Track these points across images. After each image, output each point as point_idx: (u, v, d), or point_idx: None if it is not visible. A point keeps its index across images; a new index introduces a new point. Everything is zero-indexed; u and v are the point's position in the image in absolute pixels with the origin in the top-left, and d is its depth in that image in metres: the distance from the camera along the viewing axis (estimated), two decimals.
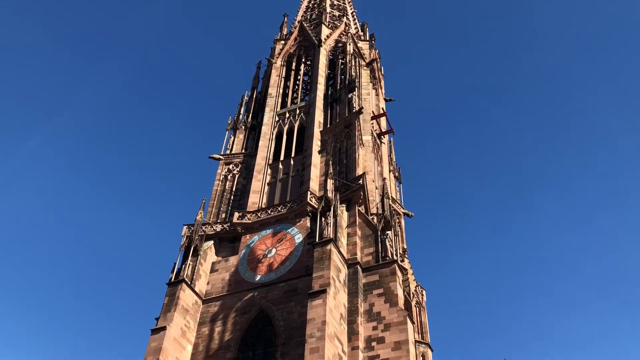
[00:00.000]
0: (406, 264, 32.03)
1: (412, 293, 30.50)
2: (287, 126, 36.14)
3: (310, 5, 50.01)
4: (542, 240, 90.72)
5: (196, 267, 27.50)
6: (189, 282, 26.60)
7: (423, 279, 34.55)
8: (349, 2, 51.95)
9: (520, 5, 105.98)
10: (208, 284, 27.97)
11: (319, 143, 33.19)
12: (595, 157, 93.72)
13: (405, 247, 34.36)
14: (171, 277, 26.84)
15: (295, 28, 45.06)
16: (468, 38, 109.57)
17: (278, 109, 37.74)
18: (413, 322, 23.89)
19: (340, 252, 24.74)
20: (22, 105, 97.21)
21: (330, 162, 30.31)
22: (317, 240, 24.73)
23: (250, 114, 38.88)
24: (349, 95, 34.82)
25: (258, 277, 26.91)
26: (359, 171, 29.66)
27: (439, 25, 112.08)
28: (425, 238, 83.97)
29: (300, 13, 48.76)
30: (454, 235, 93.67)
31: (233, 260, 28.53)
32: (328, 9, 47.44)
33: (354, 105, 33.85)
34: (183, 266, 27.17)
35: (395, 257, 25.05)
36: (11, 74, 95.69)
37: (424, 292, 32.61)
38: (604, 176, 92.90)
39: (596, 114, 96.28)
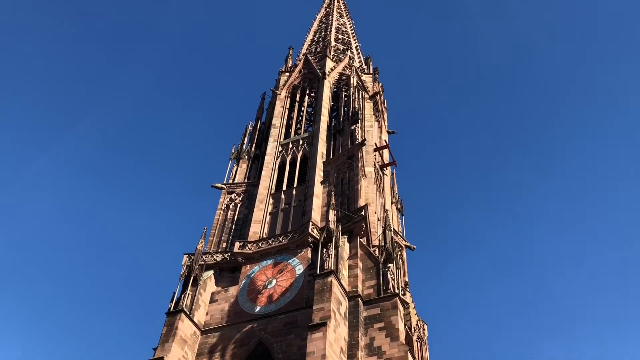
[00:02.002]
0: (408, 298, 31.65)
1: (414, 327, 30.06)
2: (290, 156, 36.33)
3: (315, 39, 50.98)
4: (546, 274, 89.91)
5: (195, 297, 27.22)
6: (188, 312, 26.29)
7: (425, 313, 34.04)
8: (353, 36, 52.92)
9: (521, 41, 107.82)
10: (207, 314, 27.64)
11: (322, 174, 33.31)
12: (601, 195, 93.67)
13: (407, 280, 34.03)
14: (170, 307, 26.56)
15: (300, 61, 45.80)
16: (471, 72, 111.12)
17: (281, 140, 38.03)
18: (414, 357, 23.48)
19: (341, 285, 24.52)
20: (24, 131, 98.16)
21: (333, 193, 30.36)
22: (318, 271, 24.56)
23: (254, 144, 39.17)
24: (352, 127, 35.15)
25: (258, 309, 26.61)
26: (361, 202, 29.65)
27: (442, 60, 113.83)
28: (427, 272, 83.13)
29: (305, 46, 49.65)
30: (456, 270, 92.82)
31: (233, 290, 28.27)
32: (333, 43, 48.32)
33: (357, 137, 34.12)
34: (182, 296, 26.91)
35: (396, 290, 24.81)
36: (15, 99, 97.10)
37: (425, 327, 32.14)
38: (611, 215, 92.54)
39: (598, 149, 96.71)
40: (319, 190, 31.94)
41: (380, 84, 45.94)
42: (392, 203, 38.96)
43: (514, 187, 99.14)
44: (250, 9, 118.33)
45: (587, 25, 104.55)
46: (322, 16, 55.89)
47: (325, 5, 58.42)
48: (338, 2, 59.27)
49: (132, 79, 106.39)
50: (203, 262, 29.19)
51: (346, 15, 57.17)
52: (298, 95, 42.93)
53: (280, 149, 37.20)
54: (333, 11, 55.73)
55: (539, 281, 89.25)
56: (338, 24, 53.80)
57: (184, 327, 25.74)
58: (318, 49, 48.19)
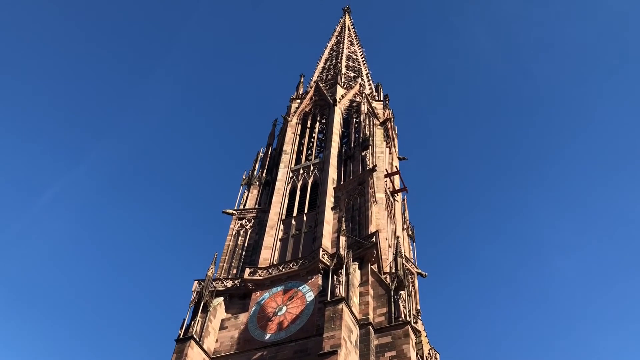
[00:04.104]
0: (419, 326, 31.15)
1: (426, 356, 29.48)
2: (300, 182, 36.40)
3: (326, 67, 51.62)
4: (562, 301, 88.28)
5: (205, 324, 26.99)
6: (198, 339, 26.04)
7: (437, 341, 33.43)
8: (364, 64, 53.52)
9: (530, 66, 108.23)
10: (217, 341, 27.36)
11: (332, 200, 33.26)
12: (612, 220, 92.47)
13: (418, 308, 33.54)
14: (180, 334, 26.32)
15: (311, 88, 46.31)
16: (482, 99, 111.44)
17: (292, 166, 38.17)
18: None
19: (352, 312, 24.20)
20: (36, 160, 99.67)
21: (343, 219, 30.24)
22: (328, 298, 24.27)
23: (265, 170, 39.32)
24: (363, 153, 35.22)
25: (268, 336, 26.32)
26: (372, 229, 29.48)
27: (452, 86, 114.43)
28: (439, 299, 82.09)
29: (316, 74, 50.26)
30: (468, 297, 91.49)
31: (243, 317, 28.04)
32: (343, 70, 48.89)
33: (368, 163, 34.14)
34: (192, 322, 26.69)
35: (408, 318, 24.41)
36: (26, 129, 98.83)
37: (437, 356, 31.51)
38: (620, 244, 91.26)
39: (611, 180, 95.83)
40: (329, 216, 31.85)
41: (390, 111, 46.18)
42: (403, 229, 38.68)
43: (527, 214, 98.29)
44: (262, 38, 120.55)
45: (589, 47, 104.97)
46: (333, 44, 56.73)
47: (336, 33, 59.39)
48: (349, 30, 60.23)
49: (144, 106, 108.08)
50: (213, 289, 29.04)
51: (357, 44, 57.97)
52: (309, 122, 43.26)
53: (291, 174, 37.30)
54: (344, 39, 56.57)
55: (554, 309, 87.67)
56: (349, 52, 54.52)
57: (194, 354, 25.45)
58: (329, 77, 48.75)
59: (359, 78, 48.33)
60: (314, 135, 42.61)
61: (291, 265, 29.38)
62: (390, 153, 43.30)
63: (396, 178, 40.36)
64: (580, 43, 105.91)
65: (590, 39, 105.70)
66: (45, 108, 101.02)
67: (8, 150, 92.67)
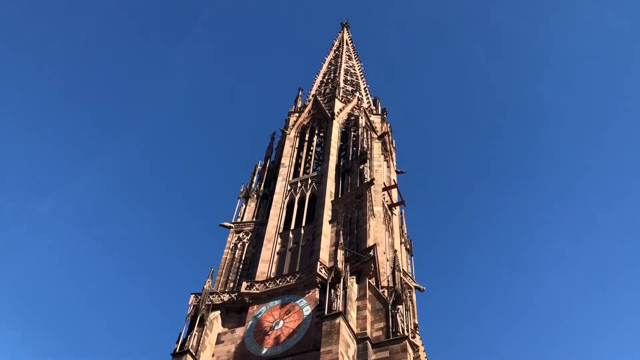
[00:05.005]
0: (417, 341, 30.92)
1: None
2: (298, 195, 36.36)
3: (325, 80, 51.90)
4: (557, 316, 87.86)
5: (202, 338, 26.77)
6: (194, 354, 25.81)
7: (435, 357, 33.20)
8: (362, 78, 53.82)
9: (527, 81, 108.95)
10: (213, 355, 27.12)
11: (330, 213, 33.21)
12: (607, 225, 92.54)
13: (416, 322, 33.33)
14: (176, 348, 26.14)
15: (309, 101, 46.50)
16: (479, 112, 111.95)
17: (290, 179, 38.16)
18: None
19: (349, 326, 24.04)
20: (36, 169, 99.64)
21: (341, 232, 30.16)
22: (326, 313, 24.11)
23: (263, 183, 39.29)
24: (361, 167, 35.25)
25: (264, 351, 26.09)
26: (370, 242, 29.39)
27: (450, 100, 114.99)
28: (437, 314, 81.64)
29: (315, 87, 50.51)
30: (467, 311, 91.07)
31: (239, 331, 27.84)
32: (342, 84, 49.15)
33: (366, 176, 34.15)
34: (188, 336, 26.50)
35: (406, 333, 24.21)
36: (29, 137, 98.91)
37: None
38: (620, 247, 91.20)
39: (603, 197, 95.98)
40: (327, 230, 31.77)
41: (388, 125, 46.34)
42: (401, 243, 38.56)
43: (525, 228, 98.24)
44: (261, 51, 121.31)
45: (586, 53, 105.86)
46: (331, 58, 57.09)
47: (334, 48, 59.80)
48: (347, 44, 60.66)
49: (142, 118, 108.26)
50: (210, 302, 28.87)
51: (355, 58, 58.35)
52: (307, 135, 43.37)
53: (289, 188, 37.28)
54: (342, 54, 56.95)
55: (556, 322, 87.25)
56: (347, 66, 54.85)
57: None
58: (327, 90, 48.99)
59: (357, 92, 48.53)
60: (312, 148, 42.69)
61: (288, 279, 29.24)
62: (388, 167, 43.35)
63: (394, 191, 40.35)
64: (577, 50, 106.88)
65: (588, 43, 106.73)
66: (45, 108, 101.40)
67: (10, 151, 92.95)
